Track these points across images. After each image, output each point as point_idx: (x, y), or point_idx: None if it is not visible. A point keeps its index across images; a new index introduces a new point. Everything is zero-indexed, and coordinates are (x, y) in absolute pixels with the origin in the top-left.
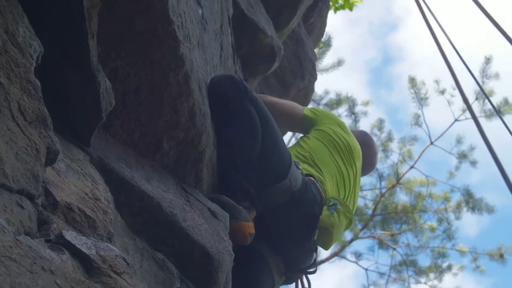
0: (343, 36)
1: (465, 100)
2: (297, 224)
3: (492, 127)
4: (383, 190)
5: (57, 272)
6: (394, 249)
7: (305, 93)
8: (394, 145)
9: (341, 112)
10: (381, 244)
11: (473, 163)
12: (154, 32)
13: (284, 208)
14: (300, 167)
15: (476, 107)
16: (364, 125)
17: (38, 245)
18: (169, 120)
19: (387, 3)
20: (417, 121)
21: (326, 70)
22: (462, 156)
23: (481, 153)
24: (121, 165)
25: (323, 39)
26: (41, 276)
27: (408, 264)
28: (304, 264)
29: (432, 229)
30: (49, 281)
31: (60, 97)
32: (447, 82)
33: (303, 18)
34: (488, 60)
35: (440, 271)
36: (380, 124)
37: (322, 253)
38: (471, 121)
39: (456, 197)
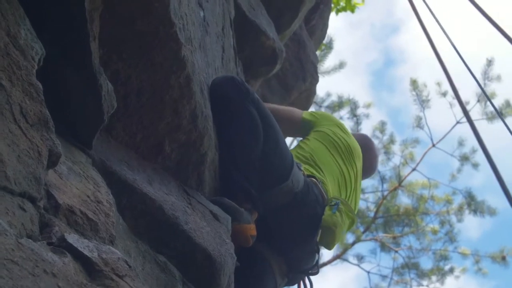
0: (344, 38)
1: (461, 103)
2: (299, 225)
3: (494, 129)
4: (385, 193)
5: (59, 275)
6: (396, 251)
7: (307, 96)
8: (396, 148)
9: (343, 114)
10: (383, 247)
11: (475, 165)
12: (155, 34)
13: (286, 210)
14: (302, 168)
15: (478, 109)
16: (366, 128)
17: (40, 248)
18: (171, 123)
19: (388, 6)
20: (419, 123)
21: (327, 72)
22: (464, 159)
23: (483, 155)
24: (123, 168)
25: (324, 41)
26: (43, 279)
27: (410, 267)
28: (307, 265)
29: (434, 232)
30: (51, 284)
31: (61, 100)
32: (448, 84)
33: (304, 20)
34: (490, 62)
35: (442, 274)
36: (382, 127)
37: (324, 256)
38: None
39: (458, 199)
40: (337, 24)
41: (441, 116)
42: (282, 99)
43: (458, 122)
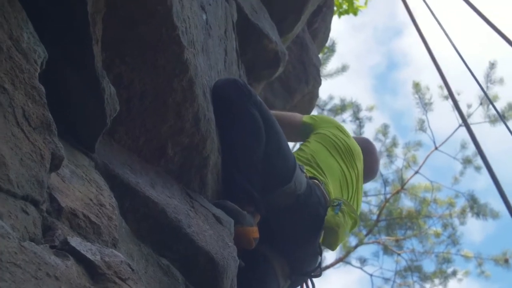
0: (347, 41)
1: (458, 109)
2: (302, 227)
3: (497, 132)
4: (388, 196)
5: (62, 278)
6: (399, 254)
7: (310, 99)
8: (398, 151)
9: (346, 117)
10: (386, 250)
11: (478, 168)
12: (158, 37)
13: (289, 212)
14: (304, 170)
15: (480, 112)
16: (369, 131)
17: (43, 251)
18: (174, 126)
19: (391, 8)
20: (421, 126)
21: (330, 75)
22: (467, 162)
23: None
24: (125, 171)
25: (327, 44)
26: (46, 282)
27: (413, 270)
28: (309, 268)
29: (437, 235)
30: (54, 287)
31: (64, 103)
32: (451, 87)
33: (307, 23)
34: (492, 65)
35: (445, 277)
36: (384, 130)
37: (327, 259)
38: (475, 127)
39: (461, 202)
40: (339, 27)
41: (444, 119)
42: (284, 102)
43: (460, 125)
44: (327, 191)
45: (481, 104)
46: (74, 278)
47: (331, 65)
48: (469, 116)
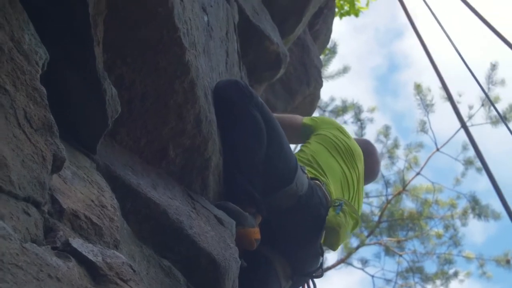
0: (348, 43)
1: (458, 114)
2: (303, 228)
3: (499, 133)
4: (389, 197)
5: (64, 279)
6: (401, 255)
7: (311, 100)
8: (400, 152)
9: (347, 119)
10: (388, 251)
11: (479, 169)
12: (159, 39)
13: (291, 213)
14: (305, 171)
15: (482, 113)
16: (370, 132)
17: (44, 252)
18: (175, 127)
19: (392, 10)
20: (423, 127)
21: (331, 77)
22: (468, 163)
23: (487, 159)
24: (127, 172)
25: (328, 46)
26: (47, 283)
27: (414, 271)
28: (311, 268)
29: (439, 236)
30: None
31: (65, 104)
32: (453, 88)
33: (308, 25)
34: (493, 67)
35: (446, 278)
36: (386, 131)
37: (329, 260)
38: (477, 128)
39: (463, 203)
40: (341, 28)
41: (445, 120)
42: (286, 104)
43: (463, 126)
44: (328, 191)
45: (482, 105)
46: (75, 280)
47: (332, 67)
48: (470, 117)
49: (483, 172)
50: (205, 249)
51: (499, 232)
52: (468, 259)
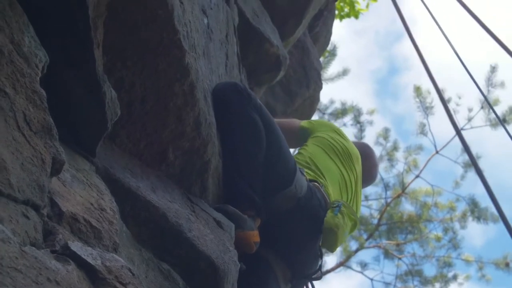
0: (348, 45)
1: (452, 120)
2: (303, 230)
3: (498, 135)
4: (389, 200)
5: (63, 283)
6: (400, 258)
7: (311, 102)
8: (399, 155)
9: (347, 121)
10: (387, 254)
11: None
12: (159, 41)
13: (290, 215)
14: (304, 173)
15: (481, 115)
16: (370, 135)
17: (43, 256)
18: (175, 130)
19: (392, 13)
20: (422, 130)
21: (331, 79)
22: (468, 166)
23: (486, 162)
24: (126, 175)
25: (328, 48)
26: (46, 287)
27: (413, 274)
28: (310, 270)
29: (438, 239)
30: None
31: (65, 107)
32: (453, 91)
33: (308, 27)
34: (493, 69)
35: (445, 281)
36: (385, 133)
37: (328, 263)
38: (477, 130)
39: (462, 206)
40: (341, 31)
41: (445, 123)
42: (285, 106)
43: (461, 129)
44: (327, 193)
45: (482, 107)
46: (75, 283)
47: (332, 69)
48: (470, 119)
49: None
50: (204, 252)
51: (498, 235)
52: (467, 262)
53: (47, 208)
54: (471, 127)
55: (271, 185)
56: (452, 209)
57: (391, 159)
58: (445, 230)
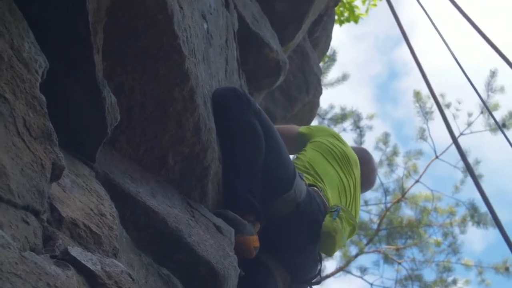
0: (348, 50)
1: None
2: (302, 234)
3: (498, 140)
4: (388, 205)
5: None
6: (400, 263)
7: (310, 108)
8: (399, 160)
9: (346, 126)
10: (387, 259)
11: (478, 177)
12: (159, 47)
13: (289, 220)
14: (303, 178)
15: (481, 120)
16: (370, 140)
17: (43, 261)
18: (174, 135)
19: (392, 18)
20: (422, 135)
21: (331, 84)
22: (467, 170)
23: (486, 167)
24: (126, 181)
25: (328, 53)
26: None
27: (413, 279)
28: (309, 275)
29: (438, 244)
30: None
31: (65, 113)
32: (453, 95)
33: (308, 32)
34: (493, 74)
35: (445, 286)
36: (385, 138)
37: (327, 268)
38: (476, 135)
39: (462, 211)
40: (340, 36)
41: (445, 128)
42: (285, 111)
43: (461, 134)
44: (326, 198)
45: (481, 112)
46: None
47: (332, 74)
48: (469, 124)
49: (482, 179)
50: (204, 258)
51: (498, 240)
52: (467, 266)
53: (47, 213)
54: (471, 132)
55: (270, 190)
56: (452, 214)
57: (391, 164)
58: (445, 235)
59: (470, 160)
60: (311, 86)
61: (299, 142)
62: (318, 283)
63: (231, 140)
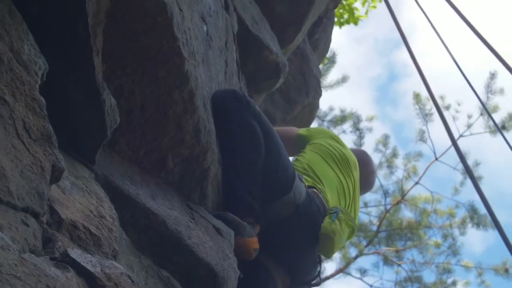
0: (348, 53)
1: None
2: (301, 236)
3: (498, 142)
4: (388, 207)
5: None
6: (399, 265)
7: (310, 110)
8: (399, 161)
9: (346, 128)
10: (386, 261)
11: (478, 179)
12: (159, 49)
13: (289, 221)
14: (303, 180)
15: (481, 122)
16: (369, 141)
17: (43, 263)
18: (174, 137)
19: (392, 20)
20: (421, 137)
21: (331, 86)
22: (467, 172)
23: (486, 169)
24: (126, 183)
25: (328, 56)
26: None
27: (413, 280)
28: (309, 277)
29: (437, 245)
30: None
31: (64, 115)
32: (453, 97)
33: (308, 34)
34: (492, 76)
35: (445, 287)
36: (385, 140)
37: (327, 270)
38: (476, 137)
39: (461, 213)
40: (340, 38)
41: (444, 130)
42: (285, 113)
43: (461, 136)
44: (325, 199)
45: (481, 114)
46: None
47: (331, 76)
48: (469, 126)
49: (482, 181)
50: (203, 260)
51: (498, 242)
52: (466, 268)
53: (46, 215)
54: (471, 134)
55: (270, 192)
56: (451, 215)
57: (390, 166)
58: (445, 237)
59: (470, 162)
60: (310, 88)
61: (299, 144)
62: (317, 284)
63: (230, 142)
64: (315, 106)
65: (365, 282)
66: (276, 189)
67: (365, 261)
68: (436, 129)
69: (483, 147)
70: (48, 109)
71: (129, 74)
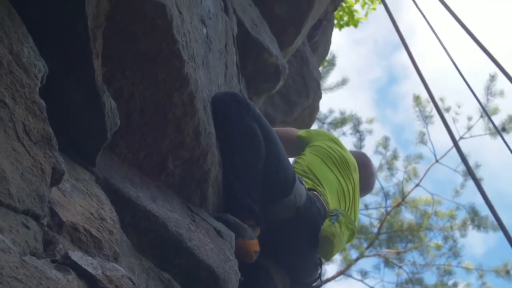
0: (348, 55)
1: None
2: (302, 239)
3: (498, 144)
4: (389, 209)
5: None
6: (400, 267)
7: (310, 112)
8: (399, 164)
9: (346, 130)
10: (387, 263)
11: (479, 180)
12: (158, 51)
13: (289, 224)
14: (303, 182)
15: (481, 124)
16: (369, 144)
17: (44, 265)
18: (174, 140)
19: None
20: (422, 139)
21: (330, 89)
22: (468, 174)
23: (486, 171)
24: (126, 185)
25: (327, 58)
26: None
27: (414, 282)
28: (310, 279)
29: (438, 247)
30: None
31: (64, 117)
32: (452, 99)
33: (307, 37)
34: (492, 78)
35: None
36: (385, 142)
37: (328, 272)
38: (476, 139)
39: (462, 215)
40: (340, 40)
41: (444, 131)
42: (285, 116)
43: (461, 138)
44: (325, 202)
45: (481, 116)
46: None
47: (331, 79)
48: (469, 128)
49: (482, 183)
50: (204, 262)
51: (499, 243)
52: (467, 270)
53: (47, 218)
54: (471, 136)
55: (270, 194)
56: (452, 217)
57: (391, 168)
58: (445, 239)
59: (470, 164)
60: (310, 90)
61: (298, 146)
62: (318, 286)
63: (230, 145)
64: (315, 108)
65: (366, 284)
66: (276, 191)
67: (366, 263)
68: (436, 131)
69: (483, 149)
70: (48, 111)
71: (129, 77)
